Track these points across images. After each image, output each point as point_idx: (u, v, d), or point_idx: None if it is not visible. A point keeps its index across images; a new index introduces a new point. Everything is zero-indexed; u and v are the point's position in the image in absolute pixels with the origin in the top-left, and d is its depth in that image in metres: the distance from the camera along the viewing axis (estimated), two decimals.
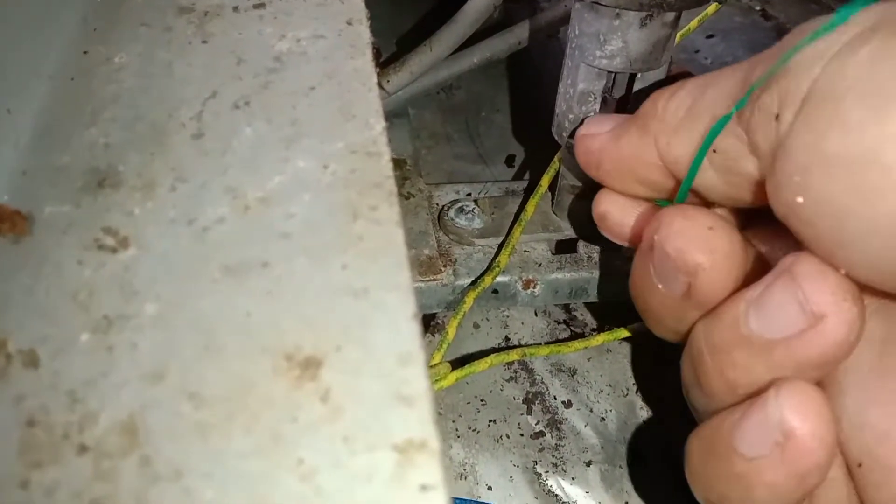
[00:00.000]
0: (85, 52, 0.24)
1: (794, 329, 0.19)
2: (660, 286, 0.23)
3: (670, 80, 0.29)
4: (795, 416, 0.19)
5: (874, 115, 0.17)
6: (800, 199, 0.19)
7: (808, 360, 0.19)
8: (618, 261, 0.33)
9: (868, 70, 0.17)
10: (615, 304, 0.35)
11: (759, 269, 0.22)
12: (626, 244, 0.27)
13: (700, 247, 0.22)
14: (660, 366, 0.34)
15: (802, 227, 0.19)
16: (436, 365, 0.29)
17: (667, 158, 0.23)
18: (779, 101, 0.19)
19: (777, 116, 0.19)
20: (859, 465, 0.20)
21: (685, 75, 0.29)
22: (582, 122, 0.27)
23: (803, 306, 0.19)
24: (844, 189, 0.18)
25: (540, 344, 0.34)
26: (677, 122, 0.23)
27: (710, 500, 0.22)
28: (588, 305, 0.36)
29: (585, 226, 0.33)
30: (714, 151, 0.22)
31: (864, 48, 0.18)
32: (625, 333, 0.32)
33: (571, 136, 0.30)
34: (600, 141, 0.26)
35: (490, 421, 0.32)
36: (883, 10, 0.18)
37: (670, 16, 0.26)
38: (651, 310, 0.25)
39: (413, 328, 0.16)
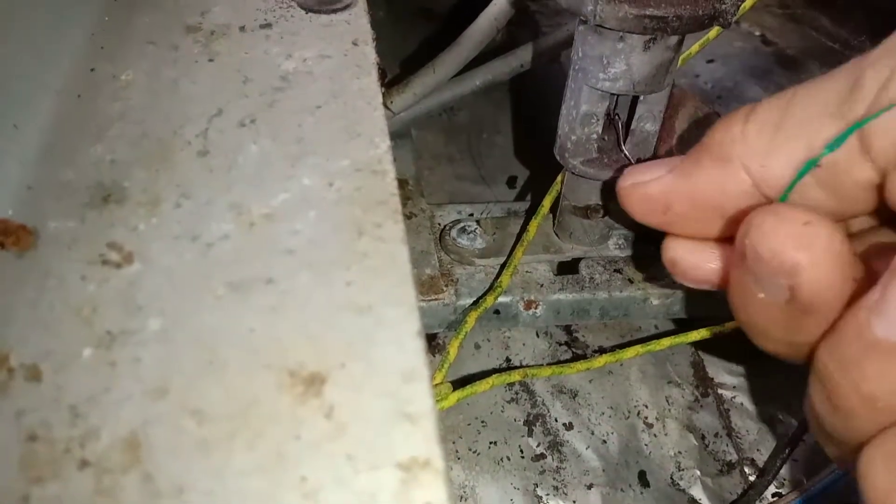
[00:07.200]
0: (92, 70, 0.24)
1: None
2: (760, 295, 0.21)
3: (672, 103, 0.29)
4: None
5: None
6: None
7: None
8: (619, 280, 0.33)
9: None
10: (617, 325, 0.35)
11: (873, 280, 0.20)
12: (710, 287, 0.24)
13: (796, 244, 0.20)
14: (666, 387, 0.34)
15: None
16: (437, 385, 0.29)
17: (764, 181, 0.22)
18: None
19: None
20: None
21: (686, 97, 0.30)
22: (622, 174, 0.25)
23: None
24: None
25: (541, 365, 0.34)
26: (767, 142, 0.21)
27: None
28: (590, 327, 0.36)
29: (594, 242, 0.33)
30: (819, 167, 0.20)
31: None
32: (628, 355, 0.32)
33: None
34: (663, 183, 0.24)
35: (491, 443, 0.32)
36: None
37: (673, 39, 0.27)
38: (756, 323, 0.23)
39: (417, 345, 0.16)
